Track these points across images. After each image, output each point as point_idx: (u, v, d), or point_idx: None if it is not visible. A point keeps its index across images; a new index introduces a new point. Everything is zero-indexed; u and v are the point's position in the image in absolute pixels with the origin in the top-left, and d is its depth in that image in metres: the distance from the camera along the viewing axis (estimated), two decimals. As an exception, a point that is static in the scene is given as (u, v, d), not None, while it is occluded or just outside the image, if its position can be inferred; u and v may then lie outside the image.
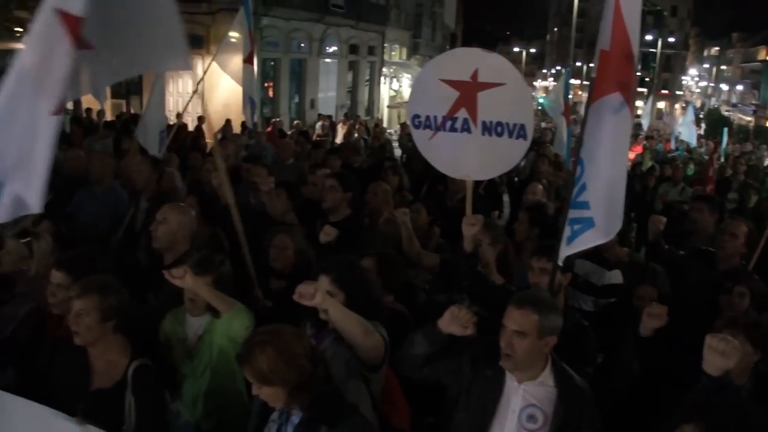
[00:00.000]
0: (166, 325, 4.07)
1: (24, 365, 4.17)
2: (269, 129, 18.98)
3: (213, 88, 20.07)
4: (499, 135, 4.49)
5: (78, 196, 6.88)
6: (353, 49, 35.57)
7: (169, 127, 9.14)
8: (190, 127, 17.98)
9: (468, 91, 4.52)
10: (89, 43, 4.08)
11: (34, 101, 3.61)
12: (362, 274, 3.89)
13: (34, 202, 3.60)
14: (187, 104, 9.94)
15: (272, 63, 28.30)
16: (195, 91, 8.55)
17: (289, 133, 18.37)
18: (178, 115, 14.38)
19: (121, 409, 3.43)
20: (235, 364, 3.97)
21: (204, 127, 15.95)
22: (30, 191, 3.60)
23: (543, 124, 31.38)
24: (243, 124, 17.87)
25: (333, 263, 3.72)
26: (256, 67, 9.64)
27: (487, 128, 4.51)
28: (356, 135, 19.99)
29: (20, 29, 24.17)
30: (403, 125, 24.95)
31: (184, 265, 3.79)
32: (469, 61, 4.54)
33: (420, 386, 3.75)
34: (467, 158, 4.62)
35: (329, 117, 27.05)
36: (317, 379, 3.00)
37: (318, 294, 3.27)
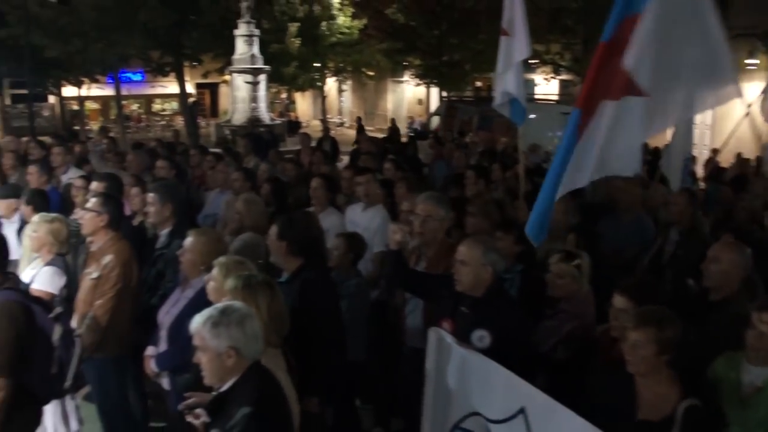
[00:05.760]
0: (717, 367, 3.86)
1: (558, 379, 4.37)
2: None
3: (724, 118, 18.99)
4: None
5: (604, 222, 7.02)
6: None
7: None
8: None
9: None
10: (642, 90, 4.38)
11: None
12: None
13: None
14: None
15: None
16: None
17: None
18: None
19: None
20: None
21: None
22: None
23: None
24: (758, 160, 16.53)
25: None
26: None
27: None
28: None
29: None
30: None
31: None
32: None
33: None
34: None
35: None
36: None
37: None
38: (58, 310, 4.28)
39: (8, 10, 23.59)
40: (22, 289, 4.29)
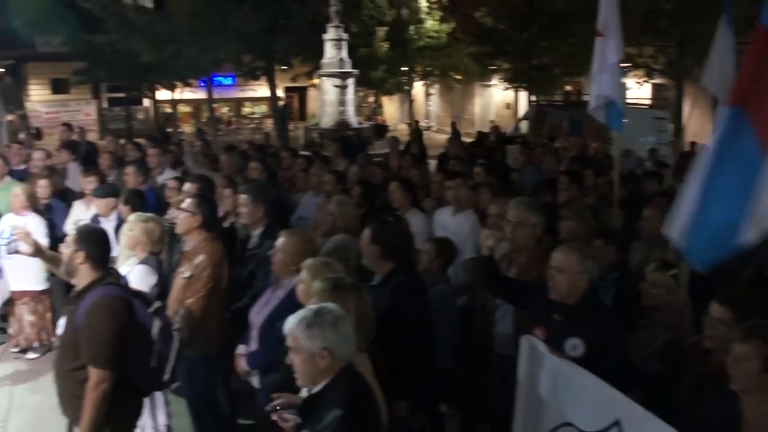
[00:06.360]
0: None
1: (650, 393, 4.22)
2: None
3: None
4: None
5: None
6: None
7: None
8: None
9: None
10: None
11: None
12: None
13: None
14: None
15: None
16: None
17: None
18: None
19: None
20: None
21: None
22: None
23: None
24: None
25: None
26: None
27: None
28: None
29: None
30: None
31: None
32: None
33: None
34: None
35: None
36: None
37: None
38: (157, 304, 4.38)
39: (107, 17, 24.54)
40: (123, 285, 4.41)
